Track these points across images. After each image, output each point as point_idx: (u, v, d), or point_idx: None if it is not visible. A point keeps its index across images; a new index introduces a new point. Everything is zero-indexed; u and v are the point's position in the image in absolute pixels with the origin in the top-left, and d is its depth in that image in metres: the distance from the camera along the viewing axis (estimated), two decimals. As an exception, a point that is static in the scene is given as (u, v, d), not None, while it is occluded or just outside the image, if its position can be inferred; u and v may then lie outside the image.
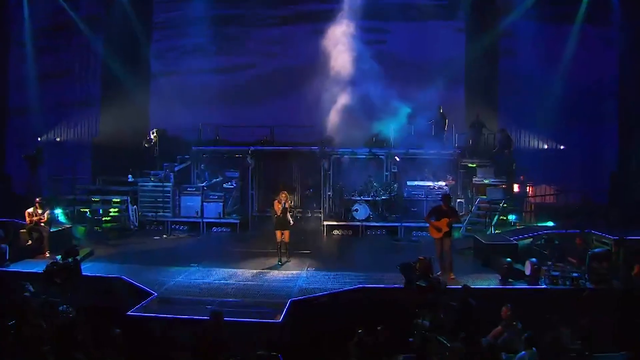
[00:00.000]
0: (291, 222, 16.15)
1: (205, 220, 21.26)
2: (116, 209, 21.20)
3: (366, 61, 22.99)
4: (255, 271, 15.30)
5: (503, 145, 22.60)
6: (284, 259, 16.12)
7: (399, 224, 20.98)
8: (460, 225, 20.34)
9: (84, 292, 12.74)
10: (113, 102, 24.16)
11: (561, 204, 21.76)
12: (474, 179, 22.11)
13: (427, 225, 20.13)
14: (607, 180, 23.08)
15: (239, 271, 15.29)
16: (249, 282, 14.26)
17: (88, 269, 14.66)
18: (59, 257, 12.93)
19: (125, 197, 21.34)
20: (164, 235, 20.02)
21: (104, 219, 20.73)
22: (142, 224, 21.19)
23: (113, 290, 13.40)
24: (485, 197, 21.09)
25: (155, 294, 12.95)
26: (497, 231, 19.31)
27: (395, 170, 22.74)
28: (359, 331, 10.57)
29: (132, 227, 20.89)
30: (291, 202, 16.02)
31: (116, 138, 23.22)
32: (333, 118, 23.35)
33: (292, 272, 15.40)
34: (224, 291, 13.49)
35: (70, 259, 12.25)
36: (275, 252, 16.43)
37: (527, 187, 22.70)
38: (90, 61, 26.17)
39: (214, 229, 21.29)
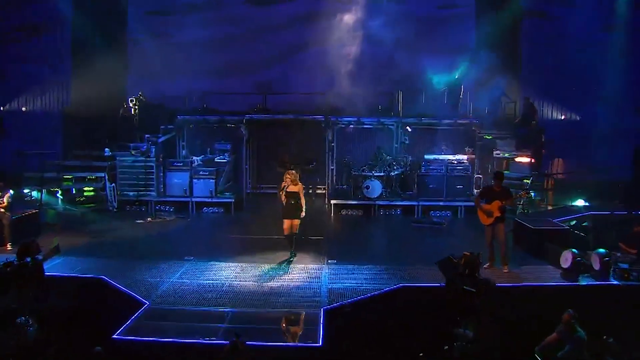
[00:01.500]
0: (303, 209, 12.67)
1: (194, 199, 17.88)
2: (91, 188, 17.61)
3: (375, 20, 19.81)
4: (266, 266, 12.11)
5: (527, 116, 19.60)
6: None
7: (416, 203, 17.97)
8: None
9: (52, 298, 9.43)
10: (86, 67, 20.20)
11: (585, 179, 18.83)
12: (494, 153, 19.14)
13: (445, 204, 17.89)
14: (629, 155, 20.07)
15: (246, 266, 12.07)
16: (262, 283, 11.05)
17: (59, 265, 11.41)
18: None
19: (101, 174, 17.71)
20: (149, 219, 16.56)
21: (77, 199, 17.18)
22: (122, 204, 17.71)
23: (92, 296, 10.09)
24: (507, 172, 18.14)
25: (147, 304, 9.68)
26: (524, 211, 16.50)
27: (407, 142, 19.66)
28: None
29: (110, 208, 17.41)
30: (300, 184, 12.69)
31: (90, 107, 19.48)
32: (335, 83, 20.24)
33: (311, 266, 12.25)
34: (235, 297, 10.26)
35: (28, 258, 8.81)
36: (282, 241, 13.28)
37: (556, 161, 19.61)
38: (59, 20, 22.15)
39: (205, 209, 17.94)
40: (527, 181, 17.43)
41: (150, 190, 17.84)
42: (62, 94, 22.23)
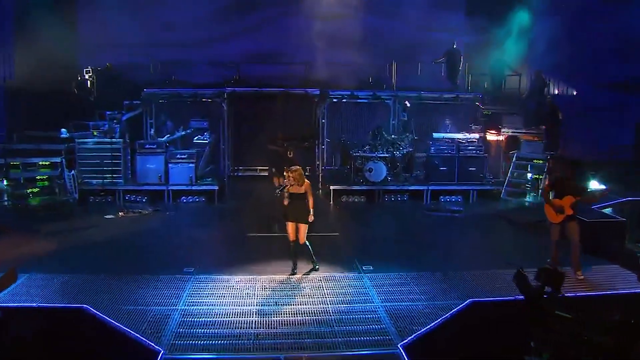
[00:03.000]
0: (311, 212, 9.35)
1: (171, 187, 14.60)
2: (46, 177, 13.91)
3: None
4: (293, 278, 9.19)
5: (536, 89, 17.26)
6: (301, 270, 9.52)
7: (426, 187, 15.36)
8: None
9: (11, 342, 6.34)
10: (31, 35, 16.31)
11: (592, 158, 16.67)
12: (502, 130, 16.74)
13: (457, 188, 15.40)
14: (631, 134, 18.02)
15: (264, 280, 9.06)
16: (298, 306, 8.09)
17: (18, 291, 8.12)
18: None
19: (57, 159, 14.00)
20: (120, 213, 13.14)
21: (28, 191, 13.58)
22: (84, 195, 14.23)
23: (73, 335, 6.92)
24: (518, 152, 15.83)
25: (162, 351, 6.60)
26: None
27: (405, 118, 16.99)
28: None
29: (70, 200, 13.89)
30: (307, 182, 9.39)
31: (38, 81, 15.52)
32: (320, 53, 17.39)
33: (346, 275, 9.39)
34: (274, 332, 7.24)
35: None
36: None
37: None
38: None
39: (184, 198, 14.68)
40: (546, 162, 15.05)
41: (118, 177, 14.43)
42: (3, 66, 18.13)
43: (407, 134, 16.19)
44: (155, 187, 14.53)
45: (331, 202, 15.04)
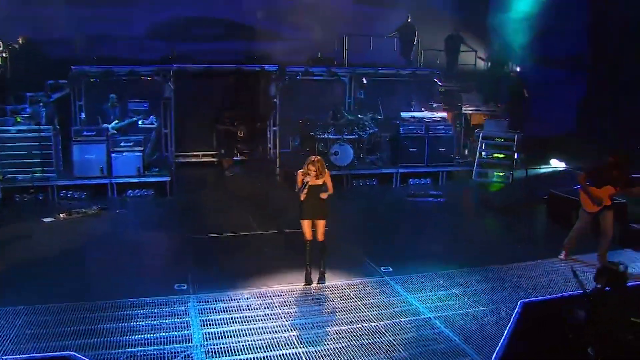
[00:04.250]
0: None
1: (116, 180, 12.24)
2: (-43, 173, 11.12)
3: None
4: (311, 288, 7.54)
5: (496, 65, 16.43)
6: (314, 277, 7.80)
7: (395, 170, 14.09)
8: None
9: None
10: None
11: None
12: (463, 109, 15.79)
13: (426, 170, 14.29)
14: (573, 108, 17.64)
15: (283, 292, 7.37)
16: (344, 326, 6.42)
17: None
18: None
19: (-29, 151, 11.27)
20: (61, 215, 10.55)
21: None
22: (8, 193, 11.49)
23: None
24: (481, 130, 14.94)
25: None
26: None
27: (362, 96, 15.61)
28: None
29: (-10, 200, 11.22)
30: (327, 172, 7.64)
31: None
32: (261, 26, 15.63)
33: (366, 279, 7.88)
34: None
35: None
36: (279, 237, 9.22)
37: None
38: None
39: (130, 192, 12.36)
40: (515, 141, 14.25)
41: (49, 171, 11.86)
42: None
43: (372, 114, 14.80)
44: (96, 180, 12.10)
45: (296, 190, 13.36)
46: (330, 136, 13.79)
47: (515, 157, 14.41)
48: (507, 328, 6.41)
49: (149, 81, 13.96)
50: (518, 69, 15.97)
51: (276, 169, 14.45)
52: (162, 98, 13.85)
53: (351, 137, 13.91)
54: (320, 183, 7.53)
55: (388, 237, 10.06)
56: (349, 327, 6.47)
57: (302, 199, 7.48)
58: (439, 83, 16.13)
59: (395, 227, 10.83)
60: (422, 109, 15.22)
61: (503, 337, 6.23)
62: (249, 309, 6.86)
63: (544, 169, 15.14)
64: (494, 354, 5.89)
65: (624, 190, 8.40)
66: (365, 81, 15.46)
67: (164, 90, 13.78)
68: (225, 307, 6.89)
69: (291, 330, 6.34)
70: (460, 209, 12.41)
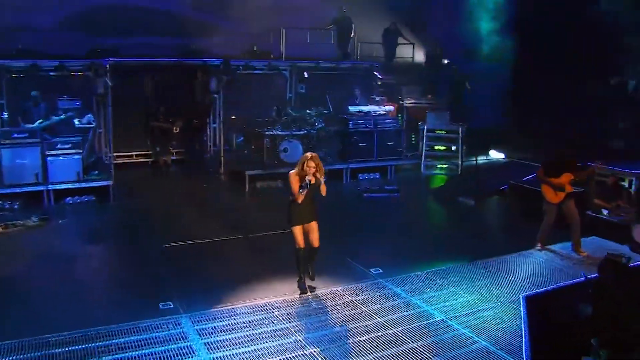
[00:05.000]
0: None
1: (52, 187, 10.97)
2: None
3: None
4: (309, 297, 7.02)
5: (433, 59, 16.49)
6: (310, 283, 7.33)
7: (345, 166, 13.78)
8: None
9: None
10: None
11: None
12: (404, 102, 15.74)
13: (375, 164, 14.10)
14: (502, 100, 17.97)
15: (281, 304, 6.78)
16: (363, 337, 5.96)
17: None
18: None
19: None
20: None
21: None
22: None
23: None
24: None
25: None
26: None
27: (303, 90, 15.16)
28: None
29: None
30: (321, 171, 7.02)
31: None
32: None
33: (361, 283, 7.45)
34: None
35: None
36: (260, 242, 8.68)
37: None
38: None
39: (69, 199, 11.16)
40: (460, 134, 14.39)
41: (-27, 180, 10.43)
42: None
43: (315, 108, 14.36)
44: (29, 187, 10.79)
45: (246, 190, 12.75)
46: (279, 132, 13.22)
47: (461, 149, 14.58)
48: (523, 324, 6.34)
49: (80, 77, 12.67)
50: (446, 61, 16.16)
51: (220, 168, 13.66)
52: (96, 95, 12.61)
53: (300, 132, 13.42)
54: (313, 181, 7.00)
55: (361, 236, 9.73)
56: (368, 337, 6.04)
57: (299, 200, 6.89)
58: (379, 76, 15.98)
59: (363, 224, 10.50)
60: (368, 103, 15.00)
61: (523, 334, 6.14)
62: (253, 326, 6.23)
63: (486, 160, 15.39)
64: (524, 353, 5.75)
65: (578, 174, 8.63)
66: (306, 75, 15.00)
67: (97, 86, 12.54)
68: (227, 326, 6.22)
69: (310, 346, 5.82)
70: (421, 203, 12.33)
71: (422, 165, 14.36)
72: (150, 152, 14.25)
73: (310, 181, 6.82)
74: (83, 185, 11.18)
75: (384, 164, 14.12)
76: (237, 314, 6.53)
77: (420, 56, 17.14)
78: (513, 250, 8.79)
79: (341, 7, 16.15)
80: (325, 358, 5.60)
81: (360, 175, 13.88)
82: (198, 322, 6.30)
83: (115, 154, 14.01)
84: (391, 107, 14.58)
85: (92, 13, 14.51)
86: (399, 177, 14.15)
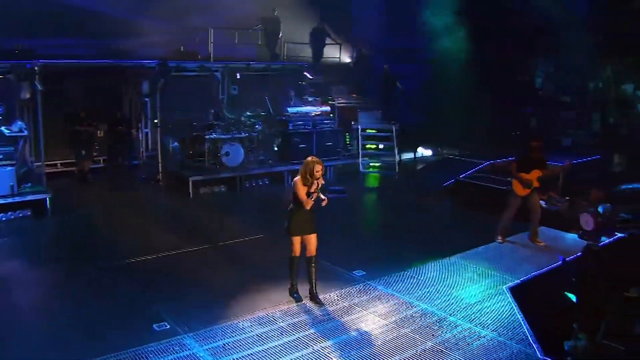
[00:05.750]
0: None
1: (-19, 203, 9.91)
2: None
3: None
4: (307, 304, 6.85)
5: (361, 59, 16.71)
6: (302, 294, 7.06)
7: (286, 168, 13.64)
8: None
9: None
10: None
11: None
12: (336, 102, 15.85)
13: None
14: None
15: (285, 314, 6.61)
16: (394, 353, 5.86)
17: None
18: None
19: None
20: None
21: None
22: None
23: None
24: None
25: None
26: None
27: (235, 92, 14.85)
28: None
29: None
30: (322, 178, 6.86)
31: None
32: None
33: (350, 287, 7.43)
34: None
35: None
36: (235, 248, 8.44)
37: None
38: None
39: (2, 216, 10.13)
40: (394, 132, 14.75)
41: None
42: None
43: (250, 110, 14.10)
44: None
45: (191, 197, 12.27)
46: (221, 136, 12.84)
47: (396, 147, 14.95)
48: (518, 313, 6.68)
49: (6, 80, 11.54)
50: (361, 58, 16.50)
51: (158, 174, 13.03)
52: (20, 100, 11.53)
53: (241, 135, 13.12)
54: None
55: (329, 239, 9.57)
56: (383, 339, 6.04)
57: (308, 207, 6.71)
58: (309, 76, 15.98)
59: (325, 227, 10.40)
60: (302, 104, 14.95)
61: (523, 322, 6.46)
62: (264, 340, 5.99)
63: (416, 158, 15.91)
64: (530, 339, 6.04)
65: (546, 171, 9.20)
66: (238, 76, 14.69)
67: (21, 90, 11.46)
68: (237, 343, 5.93)
69: (331, 356, 5.72)
70: (371, 203, 12.50)
71: (360, 164, 14.53)
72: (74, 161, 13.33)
73: (321, 185, 6.66)
74: (17, 199, 10.19)
75: (325, 165, 14.09)
76: (241, 328, 6.26)
77: (346, 56, 17.33)
78: (473, 244, 9.15)
79: (273, 9, 15.92)
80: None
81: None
82: (204, 341, 5.96)
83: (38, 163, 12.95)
84: (327, 108, 14.63)
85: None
86: (341, 177, 14.21)
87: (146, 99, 13.39)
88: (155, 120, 13.47)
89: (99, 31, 14.07)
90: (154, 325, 6.29)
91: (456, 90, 16.67)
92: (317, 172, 6.65)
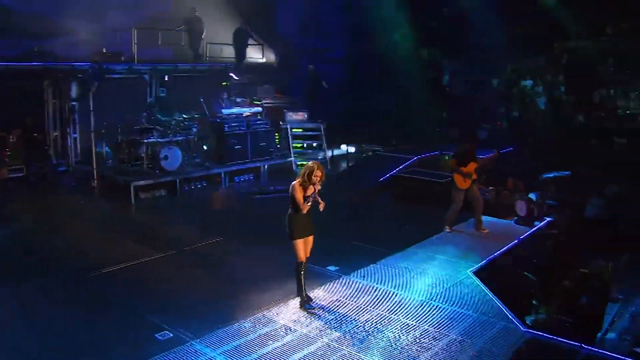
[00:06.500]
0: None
1: None
2: None
3: None
4: (307, 305, 7.07)
5: (285, 59, 16.93)
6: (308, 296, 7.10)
7: (223, 170, 13.63)
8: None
9: None
10: None
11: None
12: (263, 103, 16.00)
13: (249, 166, 14.19)
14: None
15: (291, 313, 6.81)
16: (399, 338, 6.27)
17: None
18: None
19: None
20: None
21: None
22: None
23: None
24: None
25: None
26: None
27: (164, 94, 14.57)
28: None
29: None
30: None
31: None
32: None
33: (333, 283, 7.77)
34: None
35: None
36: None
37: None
38: None
39: None
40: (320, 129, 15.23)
41: None
42: None
43: (191, 112, 13.91)
44: None
45: (132, 202, 11.94)
46: (159, 139, 12.58)
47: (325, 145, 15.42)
48: (489, 293, 7.38)
49: None
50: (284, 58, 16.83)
51: (93, 181, 12.53)
52: None
53: (179, 138, 12.94)
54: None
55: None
56: (384, 324, 6.45)
57: (305, 211, 6.85)
58: (235, 77, 15.98)
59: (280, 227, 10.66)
60: (232, 105, 14.95)
61: (497, 301, 7.14)
62: (274, 338, 6.16)
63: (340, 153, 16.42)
64: (510, 315, 6.72)
65: (480, 163, 10.08)
66: (167, 78, 14.41)
67: None
68: (249, 343, 6.05)
69: (345, 347, 6.02)
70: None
71: (292, 163, 14.82)
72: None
73: (318, 190, 6.77)
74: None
75: (258, 165, 14.29)
76: (246, 329, 6.38)
77: (270, 57, 17.51)
78: (425, 235, 9.78)
79: (193, 8, 15.71)
80: (374, 347, 5.92)
81: (235, 177, 13.86)
82: (214, 345, 6.03)
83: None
84: (259, 109, 14.77)
85: None
86: (275, 177, 14.36)
87: (74, 103, 12.75)
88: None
89: (17, 32, 13.29)
90: (156, 335, 6.25)
91: (376, 89, 17.50)
92: (315, 177, 6.73)
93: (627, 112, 13.84)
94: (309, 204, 6.77)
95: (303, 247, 6.94)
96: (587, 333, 6.81)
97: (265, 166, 14.41)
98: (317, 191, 6.79)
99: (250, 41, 16.94)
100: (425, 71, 17.88)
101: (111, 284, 7.78)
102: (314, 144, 15.28)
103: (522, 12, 15.48)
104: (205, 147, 13.99)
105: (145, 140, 12.44)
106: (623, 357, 5.78)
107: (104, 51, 14.51)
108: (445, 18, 16.81)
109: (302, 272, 6.95)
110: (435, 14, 17.06)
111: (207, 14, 16.10)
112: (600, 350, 6.07)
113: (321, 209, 6.81)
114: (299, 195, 6.75)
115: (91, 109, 12.51)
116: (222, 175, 13.56)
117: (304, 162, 14.79)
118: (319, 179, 6.76)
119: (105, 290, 7.57)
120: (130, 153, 12.69)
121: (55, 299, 7.31)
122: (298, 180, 6.84)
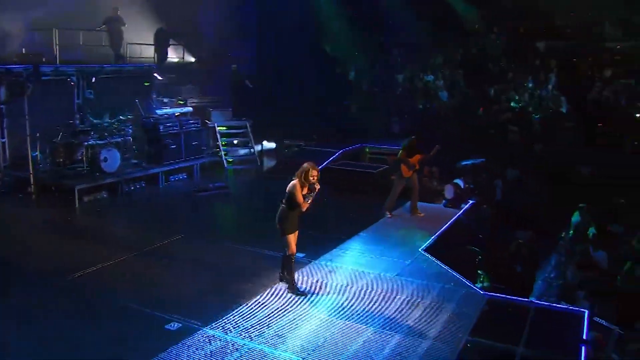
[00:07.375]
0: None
1: None
2: None
3: None
4: (290, 289, 7.67)
5: (206, 60, 17.14)
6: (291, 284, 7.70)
7: (159, 170, 13.78)
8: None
9: None
10: None
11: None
12: (189, 103, 16.18)
13: (183, 165, 14.42)
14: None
15: (289, 299, 7.47)
16: (390, 307, 7.26)
17: None
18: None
19: None
20: None
21: None
22: None
23: None
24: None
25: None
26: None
27: (91, 96, 14.33)
28: None
29: None
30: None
31: None
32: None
33: (307, 269, 8.52)
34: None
35: None
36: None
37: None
38: None
39: None
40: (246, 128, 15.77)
41: None
42: None
43: (126, 113, 13.82)
44: None
45: (77, 206, 11.79)
46: (98, 142, 12.50)
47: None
48: (444, 267, 8.51)
49: None
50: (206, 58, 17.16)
51: (29, 188, 12.16)
52: None
53: (116, 140, 12.92)
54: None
55: (247, 230, 10.46)
56: (372, 297, 7.40)
57: (304, 209, 7.37)
58: (159, 78, 16.00)
59: (234, 221, 11.20)
60: (160, 105, 15.05)
61: (453, 272, 8.27)
62: (284, 311, 7.00)
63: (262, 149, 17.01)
64: (468, 283, 7.89)
65: (423, 156, 11.25)
66: (94, 80, 14.18)
67: None
68: (261, 321, 6.70)
69: (345, 316, 6.84)
70: (257, 195, 13.32)
71: (223, 161, 15.22)
72: None
73: (317, 189, 7.30)
74: None
75: (191, 164, 14.55)
76: (250, 312, 6.97)
77: (190, 57, 17.65)
78: (368, 221, 10.74)
79: (116, 8, 15.47)
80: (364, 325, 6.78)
81: (171, 177, 14.04)
82: (227, 329, 6.56)
83: None
84: (190, 108, 15.00)
85: None
86: (208, 174, 14.69)
87: (1, 106, 12.28)
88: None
89: None
90: (166, 326, 6.59)
91: (293, 87, 18.28)
92: (312, 177, 7.25)
93: (520, 104, 15.69)
94: (308, 202, 7.35)
95: (295, 240, 7.55)
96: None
97: (198, 164, 14.69)
98: (318, 190, 7.34)
99: (172, 41, 16.98)
100: (332, 67, 18.87)
101: (92, 287, 7.77)
102: (242, 141, 15.76)
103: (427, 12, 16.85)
104: (139, 148, 13.95)
105: (85, 143, 12.29)
106: (566, 306, 7.13)
107: (24, 52, 13.97)
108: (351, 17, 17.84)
109: (294, 263, 7.64)
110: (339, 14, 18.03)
111: (125, 13, 15.88)
112: (546, 304, 7.40)
113: (308, 203, 7.42)
114: (300, 195, 7.28)
115: (26, 112, 12.07)
116: (160, 174, 13.66)
117: (238, 159, 15.46)
118: (315, 178, 7.27)
119: (88, 293, 7.60)
120: (66, 156, 12.44)
121: (47, 307, 7.18)
122: (296, 180, 7.32)
